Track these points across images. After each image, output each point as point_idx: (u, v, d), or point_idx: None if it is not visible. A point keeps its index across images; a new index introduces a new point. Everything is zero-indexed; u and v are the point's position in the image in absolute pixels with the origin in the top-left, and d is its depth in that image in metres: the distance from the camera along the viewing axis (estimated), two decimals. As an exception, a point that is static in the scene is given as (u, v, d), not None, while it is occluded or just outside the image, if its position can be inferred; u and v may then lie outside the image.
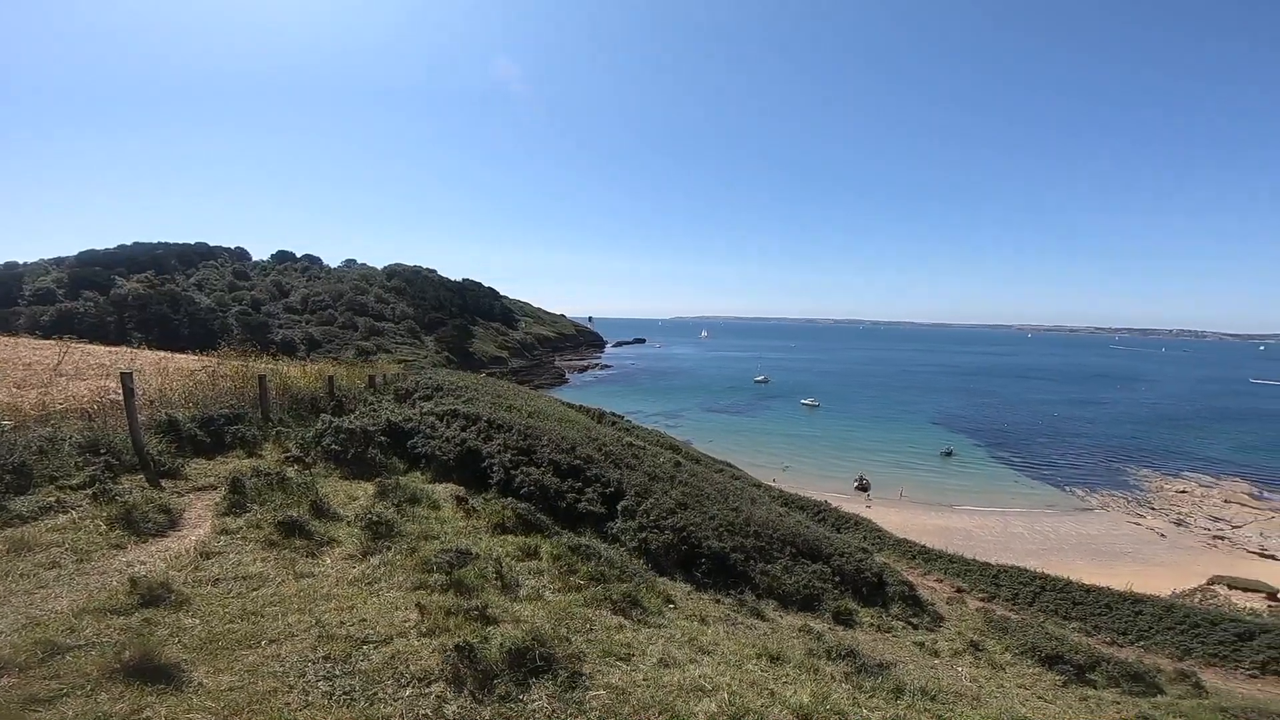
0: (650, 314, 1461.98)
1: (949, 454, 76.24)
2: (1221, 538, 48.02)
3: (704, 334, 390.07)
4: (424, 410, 12.99)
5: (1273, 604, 28.73)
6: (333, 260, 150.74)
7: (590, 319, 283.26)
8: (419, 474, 10.99)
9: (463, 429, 12.15)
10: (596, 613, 6.05)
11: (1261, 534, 48.64)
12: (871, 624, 13.20)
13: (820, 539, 16.55)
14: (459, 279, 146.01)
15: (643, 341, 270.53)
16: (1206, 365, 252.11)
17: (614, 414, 38.89)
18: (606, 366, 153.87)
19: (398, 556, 6.35)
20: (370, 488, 8.96)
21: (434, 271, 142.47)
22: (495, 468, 11.21)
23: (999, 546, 42.40)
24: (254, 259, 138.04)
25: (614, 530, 11.17)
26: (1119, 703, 10.88)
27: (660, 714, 4.22)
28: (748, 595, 10.99)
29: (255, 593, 5.41)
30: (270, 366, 15.13)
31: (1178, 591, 31.10)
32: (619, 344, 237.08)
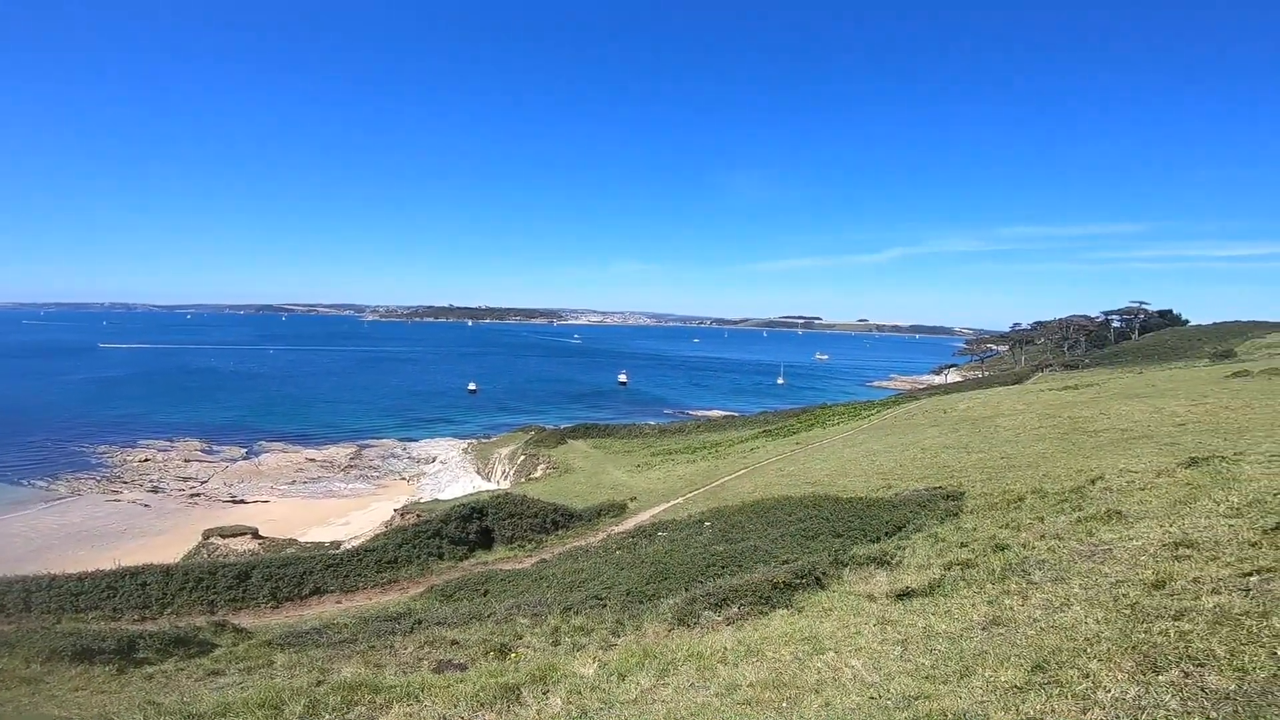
0: None
1: None
2: (198, 495, 54.68)
3: None
4: None
5: (259, 539, 35.77)
6: None
7: None
8: None
9: None
10: None
11: (226, 483, 58.43)
12: None
13: None
14: None
15: None
16: (141, 335, 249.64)
17: None
18: None
19: None
20: None
21: None
22: None
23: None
24: None
25: None
26: (183, 668, 12.37)
27: None
28: None
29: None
30: None
31: (185, 554, 34.05)
32: None
